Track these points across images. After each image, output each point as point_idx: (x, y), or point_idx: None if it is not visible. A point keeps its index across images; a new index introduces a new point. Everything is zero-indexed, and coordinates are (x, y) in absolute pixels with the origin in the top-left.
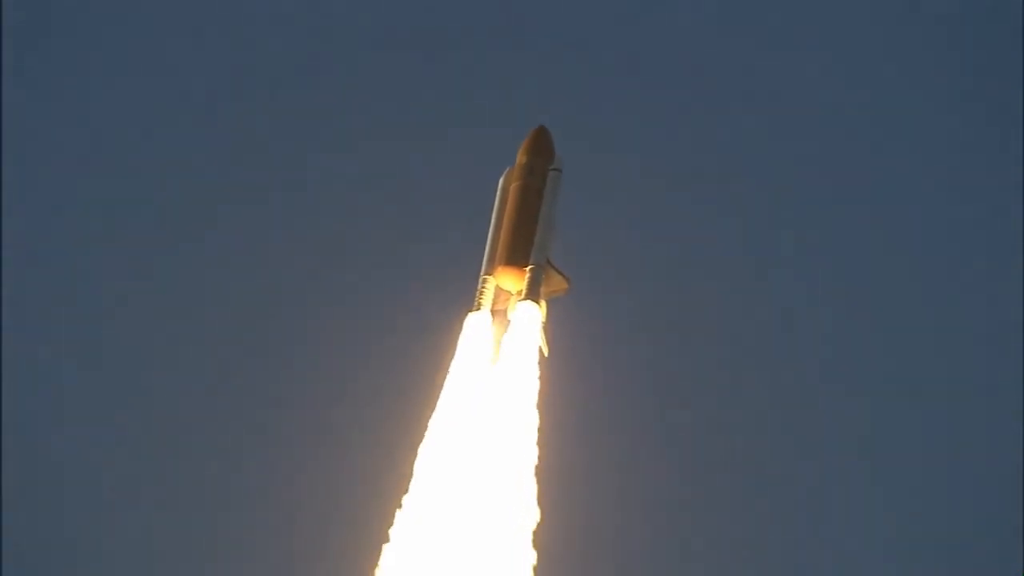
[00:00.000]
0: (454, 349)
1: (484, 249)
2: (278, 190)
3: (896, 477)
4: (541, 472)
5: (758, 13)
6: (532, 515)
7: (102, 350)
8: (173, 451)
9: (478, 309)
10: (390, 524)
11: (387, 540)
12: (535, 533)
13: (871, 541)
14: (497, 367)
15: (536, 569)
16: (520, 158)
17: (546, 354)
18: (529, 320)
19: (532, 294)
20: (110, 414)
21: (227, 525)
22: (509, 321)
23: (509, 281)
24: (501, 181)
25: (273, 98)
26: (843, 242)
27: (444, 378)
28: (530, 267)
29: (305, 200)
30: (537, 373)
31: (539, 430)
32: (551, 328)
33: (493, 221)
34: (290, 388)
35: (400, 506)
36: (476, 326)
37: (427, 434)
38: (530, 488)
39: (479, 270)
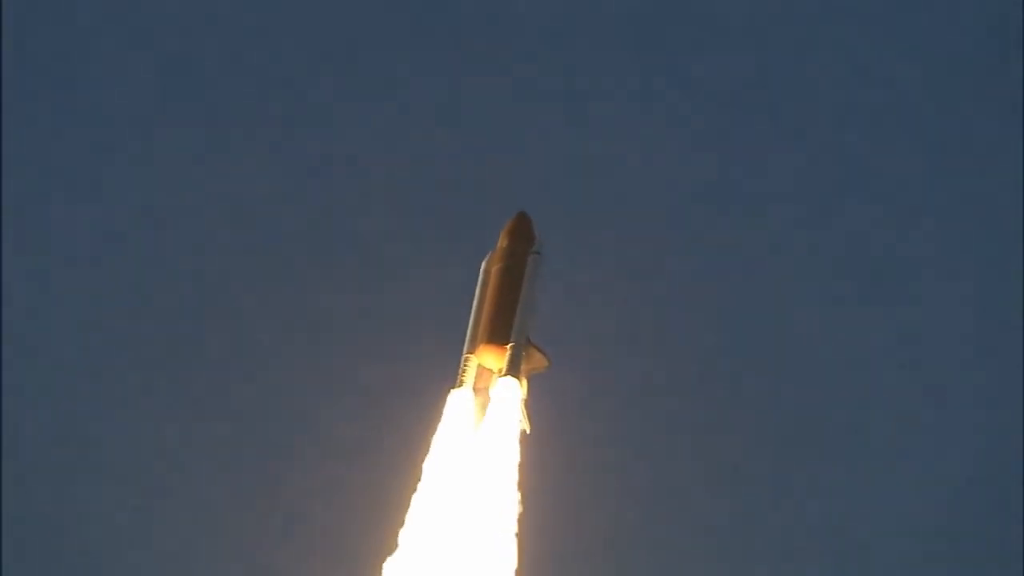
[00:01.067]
0: (437, 424)
1: (466, 330)
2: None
3: (896, 477)
4: (522, 538)
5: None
6: None
7: (102, 348)
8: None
9: (460, 386)
10: None
11: None
12: None
13: (871, 541)
14: (478, 441)
15: None
16: (501, 242)
17: (527, 430)
18: (509, 396)
19: (512, 370)
20: (110, 414)
21: None
22: (490, 398)
23: (491, 359)
24: (483, 264)
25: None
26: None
27: (426, 451)
28: (511, 345)
29: (295, 274)
30: (517, 448)
31: (520, 502)
32: (532, 404)
33: (476, 302)
34: (275, 448)
35: None
36: (458, 402)
37: (409, 508)
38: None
39: (462, 350)
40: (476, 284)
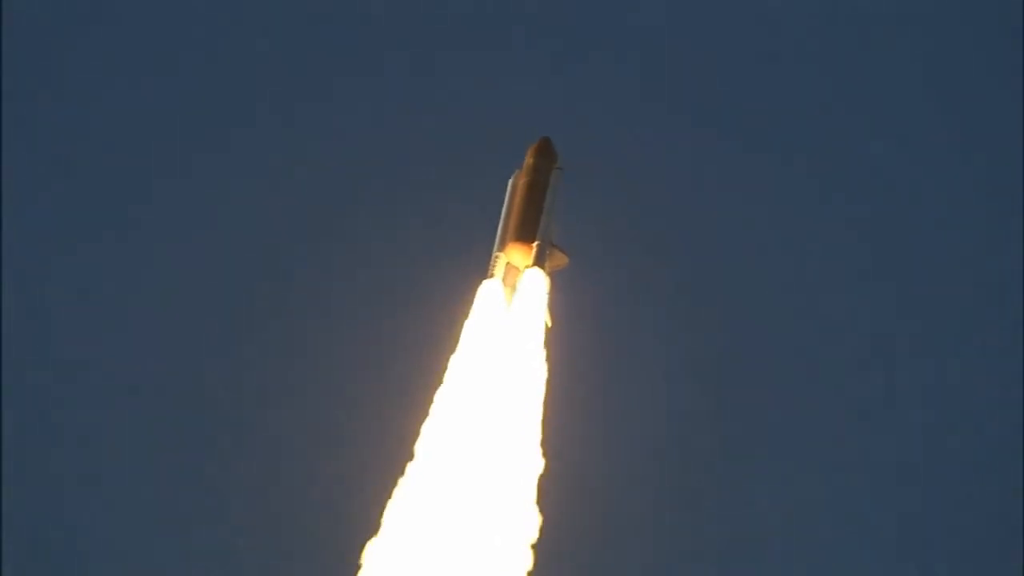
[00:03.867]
0: (471, 310)
1: (497, 234)
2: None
3: (896, 477)
4: (545, 431)
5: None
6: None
7: (102, 347)
8: (172, 449)
9: (491, 277)
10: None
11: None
12: (538, 491)
13: (871, 541)
14: (508, 322)
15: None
16: (528, 159)
17: (549, 325)
18: (536, 284)
19: (539, 262)
20: (110, 414)
21: (233, 492)
22: (518, 290)
23: (518, 256)
24: (511, 180)
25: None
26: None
27: (462, 333)
28: (536, 242)
29: (328, 180)
30: (543, 334)
31: (544, 392)
32: (554, 301)
33: (505, 209)
34: (307, 348)
35: (403, 472)
36: (489, 291)
37: (440, 390)
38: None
39: (492, 250)
40: (505, 196)
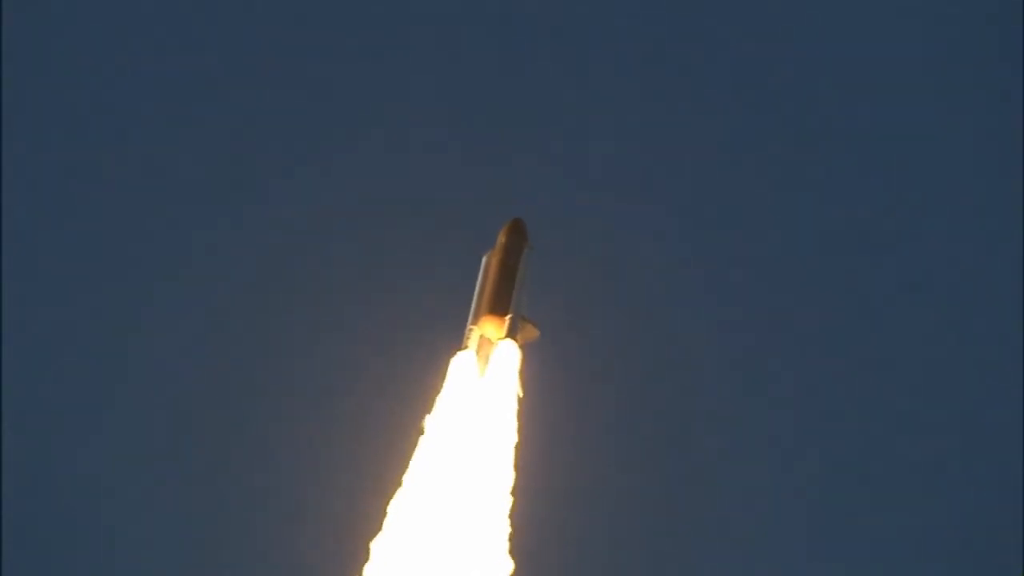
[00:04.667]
0: (444, 381)
1: (471, 308)
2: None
3: (897, 477)
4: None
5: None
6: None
7: (102, 346)
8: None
9: (465, 349)
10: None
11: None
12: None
13: (872, 542)
14: (481, 390)
15: None
16: (500, 239)
17: (520, 395)
18: (509, 355)
19: (511, 334)
20: (110, 414)
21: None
22: (491, 361)
23: (491, 328)
24: (485, 258)
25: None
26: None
27: (435, 399)
28: (508, 315)
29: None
30: (515, 403)
31: (516, 447)
32: (524, 372)
33: (479, 286)
34: (284, 412)
35: (380, 529)
36: (462, 361)
37: (416, 450)
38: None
39: (466, 325)
40: (479, 273)
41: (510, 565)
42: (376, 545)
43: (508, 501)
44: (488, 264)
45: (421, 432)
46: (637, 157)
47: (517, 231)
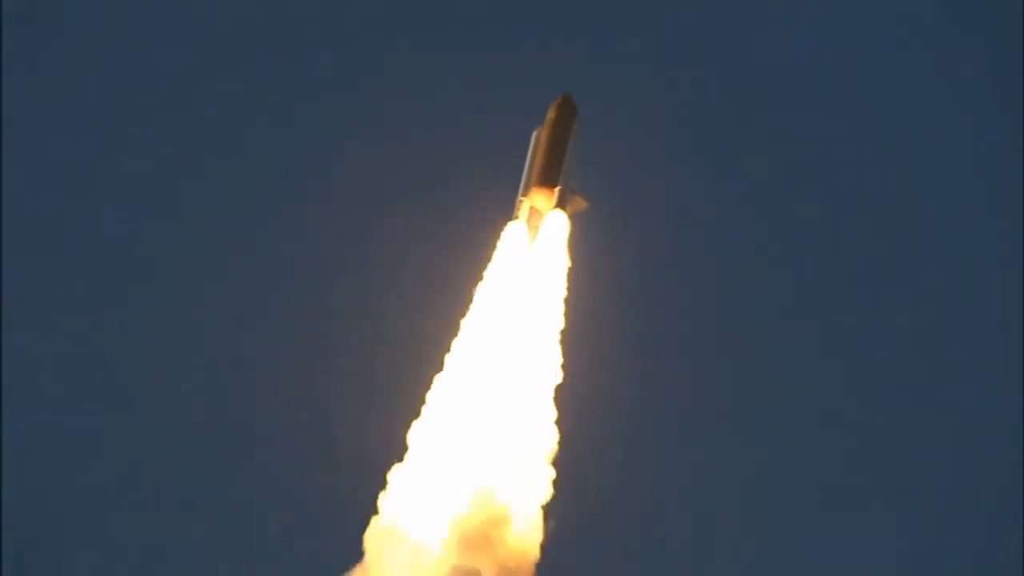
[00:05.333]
0: (497, 247)
1: (521, 181)
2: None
3: (897, 478)
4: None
5: None
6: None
7: (102, 347)
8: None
9: (515, 219)
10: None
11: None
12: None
13: (872, 542)
14: (532, 258)
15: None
16: (550, 115)
17: (569, 265)
18: (558, 225)
19: (560, 205)
20: (108, 413)
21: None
22: (541, 230)
23: (541, 200)
24: (535, 134)
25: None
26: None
27: (488, 267)
28: (558, 187)
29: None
30: (564, 271)
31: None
32: (573, 242)
33: (528, 159)
34: (349, 273)
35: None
36: (514, 231)
37: (467, 318)
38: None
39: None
40: (529, 147)
41: (556, 435)
42: (424, 414)
43: (555, 377)
44: (538, 139)
45: (472, 301)
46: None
47: (566, 106)
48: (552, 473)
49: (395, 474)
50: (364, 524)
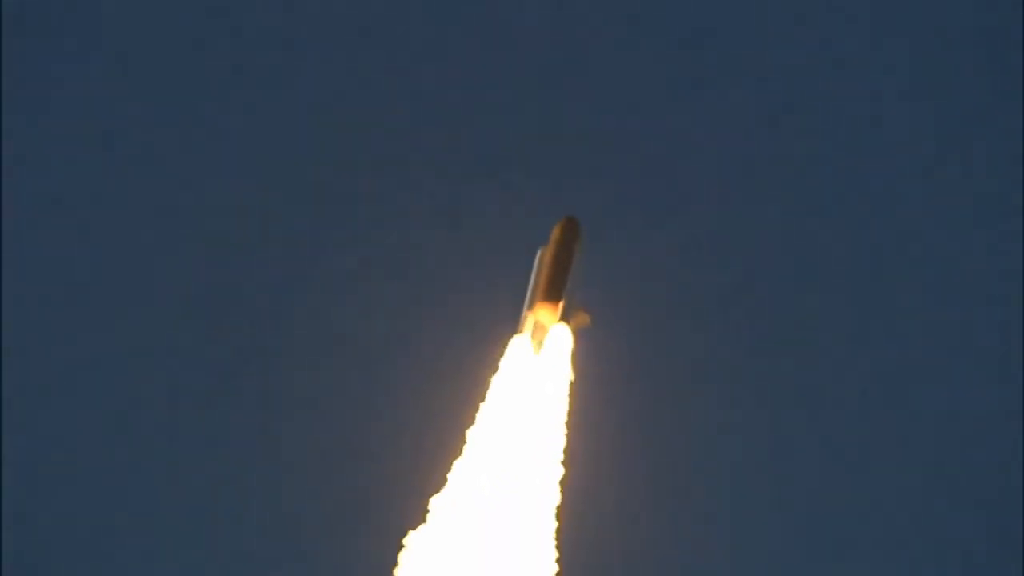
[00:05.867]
0: (503, 360)
1: (526, 296)
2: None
3: (897, 479)
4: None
5: None
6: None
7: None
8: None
9: (520, 332)
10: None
11: (408, 540)
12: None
13: (872, 542)
14: (536, 369)
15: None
16: (554, 236)
17: (572, 379)
18: (562, 338)
19: (564, 318)
20: (109, 413)
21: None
22: (546, 342)
23: (545, 314)
24: (539, 252)
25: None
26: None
27: (493, 378)
28: (562, 302)
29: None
30: (567, 381)
31: (567, 424)
32: (577, 356)
33: (533, 278)
34: (345, 386)
35: (427, 510)
36: (518, 343)
37: (472, 429)
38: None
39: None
40: (533, 269)
41: (554, 558)
42: (419, 533)
43: (556, 493)
44: (542, 257)
45: (478, 412)
46: (686, 159)
47: (570, 227)
48: None
49: None
50: None
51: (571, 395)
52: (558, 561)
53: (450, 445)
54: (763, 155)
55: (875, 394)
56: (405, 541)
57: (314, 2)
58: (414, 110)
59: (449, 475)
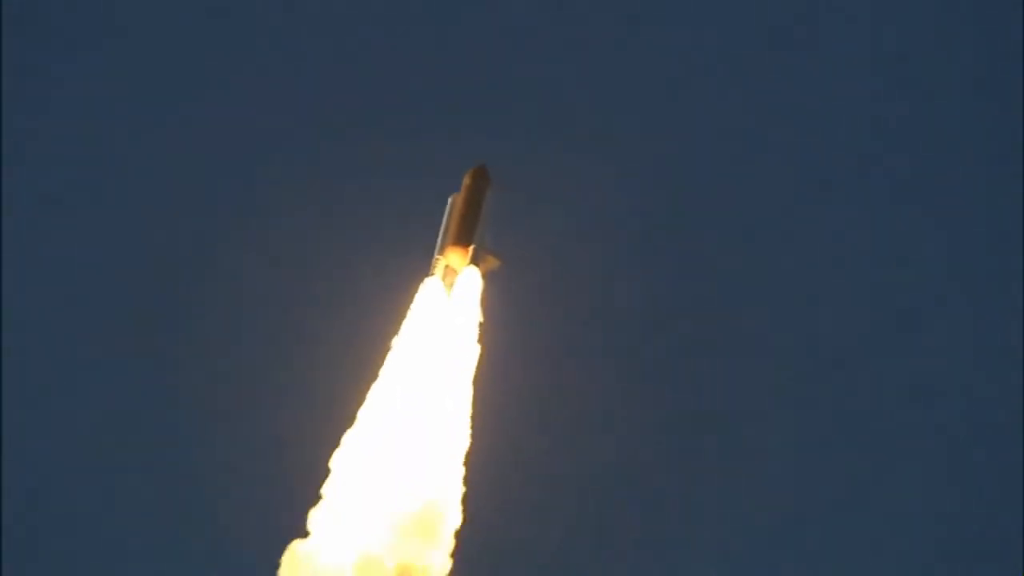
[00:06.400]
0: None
1: (437, 241)
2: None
3: (898, 479)
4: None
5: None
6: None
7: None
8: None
9: (432, 275)
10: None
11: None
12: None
13: (873, 542)
14: (447, 310)
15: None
16: (465, 182)
17: (481, 319)
18: (472, 281)
19: (474, 262)
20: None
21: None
22: (456, 285)
23: (456, 258)
24: (450, 199)
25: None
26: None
27: (405, 320)
28: (472, 246)
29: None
30: (477, 323)
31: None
32: (487, 298)
33: (444, 222)
34: (275, 329)
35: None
36: (430, 286)
37: (385, 366)
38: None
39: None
40: (445, 213)
41: (461, 482)
42: (334, 463)
43: (466, 421)
44: (453, 203)
45: (389, 351)
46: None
47: (481, 175)
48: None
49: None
50: None
51: (480, 334)
52: (464, 501)
53: (365, 380)
54: (670, 96)
55: (818, 365)
56: (329, 467)
57: None
58: (336, 67)
59: (360, 411)
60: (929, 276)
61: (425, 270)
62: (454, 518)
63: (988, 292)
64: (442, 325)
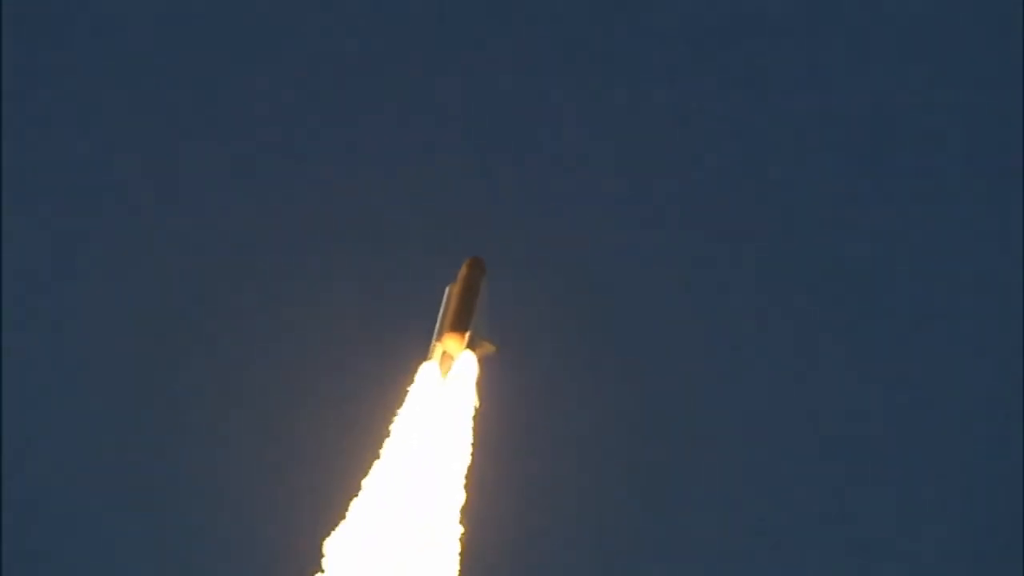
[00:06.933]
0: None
1: (435, 328)
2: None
3: (898, 479)
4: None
5: None
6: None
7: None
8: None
9: (429, 360)
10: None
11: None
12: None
13: (873, 542)
14: (443, 393)
15: None
16: (462, 273)
17: (477, 403)
18: (468, 364)
19: (471, 347)
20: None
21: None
22: (452, 368)
23: (453, 344)
24: (447, 289)
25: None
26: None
27: (404, 399)
28: (468, 332)
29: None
30: (472, 406)
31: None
32: (482, 383)
33: (442, 312)
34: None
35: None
36: (427, 370)
37: (383, 448)
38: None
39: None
40: (442, 304)
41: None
42: (331, 544)
43: (460, 498)
44: (450, 293)
45: (388, 434)
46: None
47: (476, 266)
48: None
49: None
50: None
51: (476, 418)
52: None
53: (362, 462)
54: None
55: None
56: (324, 548)
57: None
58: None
59: (359, 492)
60: (929, 276)
61: (424, 356)
62: None
63: (988, 292)
64: (438, 406)
